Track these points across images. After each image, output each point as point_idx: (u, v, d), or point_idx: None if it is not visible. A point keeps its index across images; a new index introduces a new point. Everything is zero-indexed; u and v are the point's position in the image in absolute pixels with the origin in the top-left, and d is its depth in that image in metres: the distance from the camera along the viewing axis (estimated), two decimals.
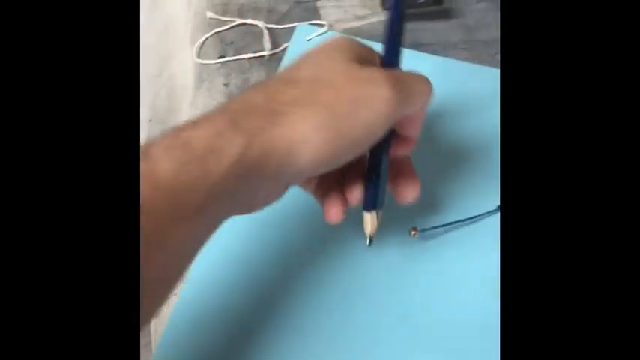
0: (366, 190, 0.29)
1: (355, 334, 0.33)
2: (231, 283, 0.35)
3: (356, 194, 0.28)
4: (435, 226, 0.35)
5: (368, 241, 0.30)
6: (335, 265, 0.35)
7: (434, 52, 0.46)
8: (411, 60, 0.44)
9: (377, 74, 0.25)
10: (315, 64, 0.25)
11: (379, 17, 0.48)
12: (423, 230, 0.35)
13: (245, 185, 0.22)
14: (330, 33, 0.47)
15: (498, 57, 0.45)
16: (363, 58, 0.26)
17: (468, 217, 0.36)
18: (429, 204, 0.37)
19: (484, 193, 0.38)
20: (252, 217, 0.25)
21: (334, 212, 0.28)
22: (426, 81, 0.28)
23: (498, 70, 0.44)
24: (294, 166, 0.23)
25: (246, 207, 0.24)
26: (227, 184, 0.21)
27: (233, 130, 0.21)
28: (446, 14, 0.49)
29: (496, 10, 0.49)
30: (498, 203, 0.37)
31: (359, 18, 0.48)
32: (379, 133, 0.25)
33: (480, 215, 0.37)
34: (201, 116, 0.22)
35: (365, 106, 0.24)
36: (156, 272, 0.20)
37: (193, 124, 0.22)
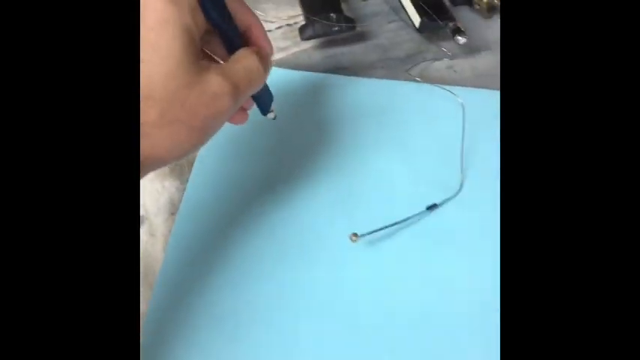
0: (256, 102, 0.37)
1: (301, 339, 0.35)
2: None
3: (246, 105, 0.36)
4: (373, 230, 0.38)
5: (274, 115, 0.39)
6: (279, 274, 0.38)
7: (354, 74, 0.49)
8: (333, 84, 0.48)
9: (219, 87, 0.29)
10: (161, 72, 0.27)
11: (300, 47, 0.51)
12: (363, 235, 0.38)
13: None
14: None
15: (412, 71, 0.49)
16: (197, 47, 0.29)
17: (401, 219, 0.39)
18: (365, 211, 0.41)
19: (414, 196, 0.41)
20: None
21: (241, 119, 0.36)
22: (258, 70, 0.32)
23: (414, 84, 0.48)
24: (164, 164, 0.30)
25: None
26: None
27: None
28: (361, 37, 0.52)
29: (406, 28, 0.53)
30: (428, 204, 0.40)
31: (281, 49, 0.51)
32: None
33: (412, 216, 0.40)
34: None
35: (215, 118, 0.30)
36: None
37: None
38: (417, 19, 0.50)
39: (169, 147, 0.28)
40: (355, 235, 0.38)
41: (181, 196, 0.41)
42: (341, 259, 0.38)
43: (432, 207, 0.40)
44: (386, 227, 0.39)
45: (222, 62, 0.32)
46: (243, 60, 0.31)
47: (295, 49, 0.51)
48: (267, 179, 0.42)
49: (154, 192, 0.42)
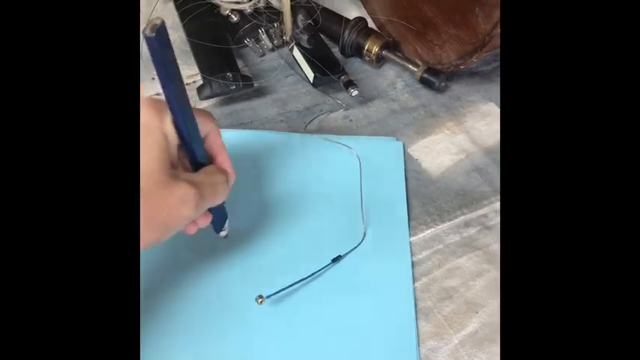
0: (213, 221, 0.38)
1: None
2: None
3: (203, 222, 0.37)
4: (278, 290, 0.39)
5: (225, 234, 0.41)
6: (189, 349, 0.37)
7: (255, 129, 0.51)
8: (236, 139, 0.49)
9: (186, 193, 0.31)
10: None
11: (200, 106, 0.52)
12: (269, 296, 0.38)
13: None
14: None
15: (312, 123, 0.51)
16: (173, 154, 0.31)
17: (306, 274, 0.40)
18: (270, 269, 0.41)
19: (318, 249, 0.42)
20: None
21: (192, 229, 0.36)
22: (223, 185, 0.34)
23: (312, 136, 0.50)
24: None
25: None
26: None
27: None
28: (260, 92, 0.54)
29: (303, 82, 0.55)
30: (332, 256, 0.42)
31: None
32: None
33: (317, 271, 0.41)
34: None
35: (176, 220, 0.31)
36: None
37: None
38: (310, 75, 0.52)
39: None
40: (261, 297, 0.38)
41: None
42: (250, 323, 0.39)
43: (336, 259, 0.42)
44: (291, 285, 0.40)
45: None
46: (212, 175, 0.33)
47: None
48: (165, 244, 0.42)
49: None
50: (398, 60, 0.55)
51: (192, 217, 0.32)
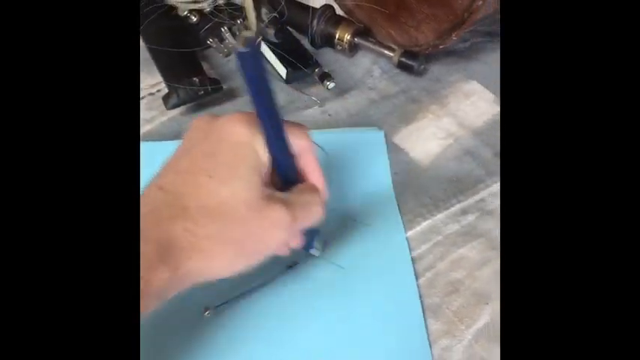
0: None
1: None
2: None
3: (295, 243, 0.34)
4: (225, 301, 0.36)
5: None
6: None
7: None
8: None
9: (280, 216, 0.29)
10: (229, 189, 0.28)
11: (167, 116, 0.48)
12: (217, 306, 0.36)
13: (162, 300, 0.27)
14: None
15: None
16: (265, 174, 0.30)
17: (259, 282, 0.37)
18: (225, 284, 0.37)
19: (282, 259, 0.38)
20: None
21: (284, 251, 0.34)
22: (317, 207, 0.32)
23: None
24: (204, 280, 0.29)
25: None
26: (148, 305, 0.26)
27: (160, 263, 0.26)
28: (230, 95, 0.51)
29: (274, 79, 0.52)
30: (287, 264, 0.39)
31: (147, 121, 0.48)
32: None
33: (270, 278, 0.38)
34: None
35: (268, 244, 0.30)
36: None
37: None
38: (282, 71, 0.49)
39: (216, 265, 0.28)
40: (207, 309, 0.35)
41: None
42: (197, 336, 0.35)
43: (292, 265, 0.39)
44: (241, 295, 0.37)
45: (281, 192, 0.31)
46: (305, 195, 0.31)
47: (163, 119, 0.49)
48: None
49: None
50: (372, 46, 0.52)
51: (285, 241, 0.31)
